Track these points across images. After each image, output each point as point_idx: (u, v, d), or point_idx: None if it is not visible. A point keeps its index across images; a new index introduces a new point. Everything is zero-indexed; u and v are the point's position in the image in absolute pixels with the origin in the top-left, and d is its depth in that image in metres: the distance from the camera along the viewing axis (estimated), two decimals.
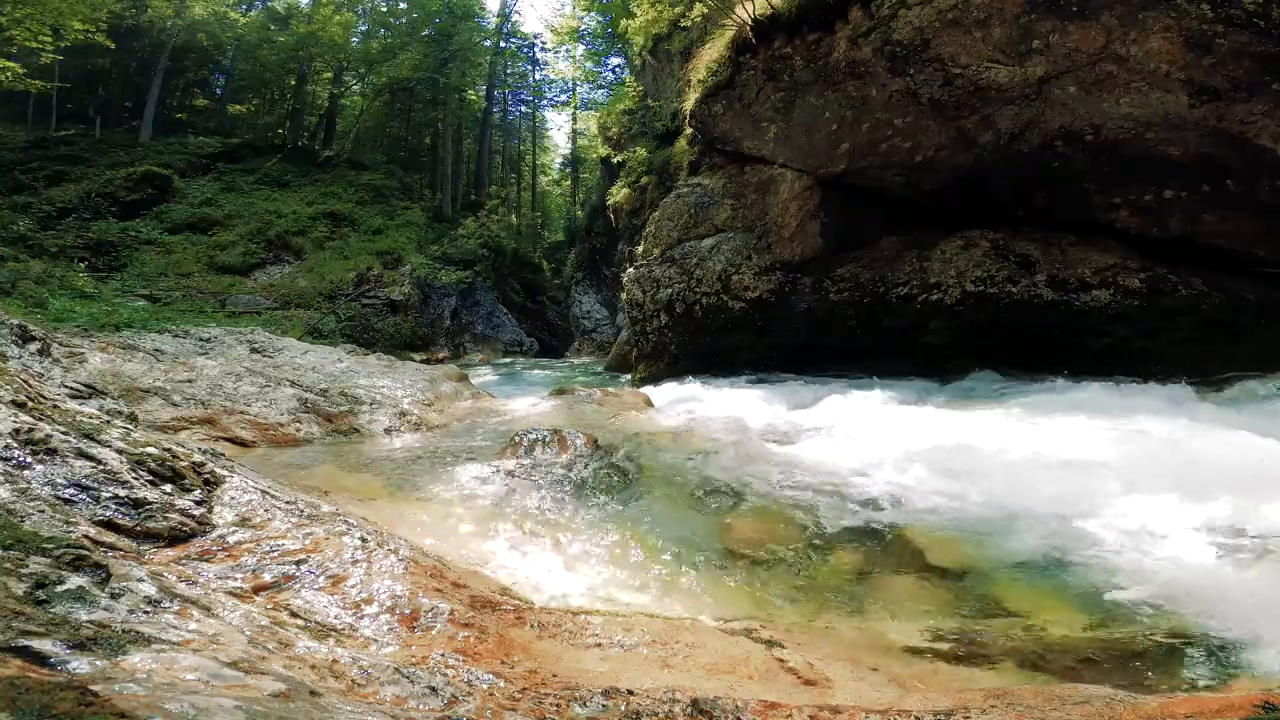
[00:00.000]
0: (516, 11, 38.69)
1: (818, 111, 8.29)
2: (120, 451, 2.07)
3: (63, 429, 2.04)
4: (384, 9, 28.27)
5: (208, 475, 2.25)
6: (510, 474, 4.19)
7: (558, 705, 1.41)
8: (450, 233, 22.97)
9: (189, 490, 2.11)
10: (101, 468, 1.93)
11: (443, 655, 1.61)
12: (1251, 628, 2.28)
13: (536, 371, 15.92)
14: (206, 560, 1.83)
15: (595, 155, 25.30)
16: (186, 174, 21.01)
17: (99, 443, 2.07)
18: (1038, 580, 2.80)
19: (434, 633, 1.77)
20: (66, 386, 3.83)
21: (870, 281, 8.57)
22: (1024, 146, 7.22)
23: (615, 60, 29.27)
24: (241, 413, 5.48)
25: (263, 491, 2.33)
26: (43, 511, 1.61)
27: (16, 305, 11.06)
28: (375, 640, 1.67)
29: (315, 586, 1.84)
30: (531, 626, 1.96)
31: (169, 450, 2.24)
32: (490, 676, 1.51)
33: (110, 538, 1.70)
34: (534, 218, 34.45)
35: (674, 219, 10.12)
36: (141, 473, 2.04)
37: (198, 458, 2.34)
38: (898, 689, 1.89)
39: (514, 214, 31.48)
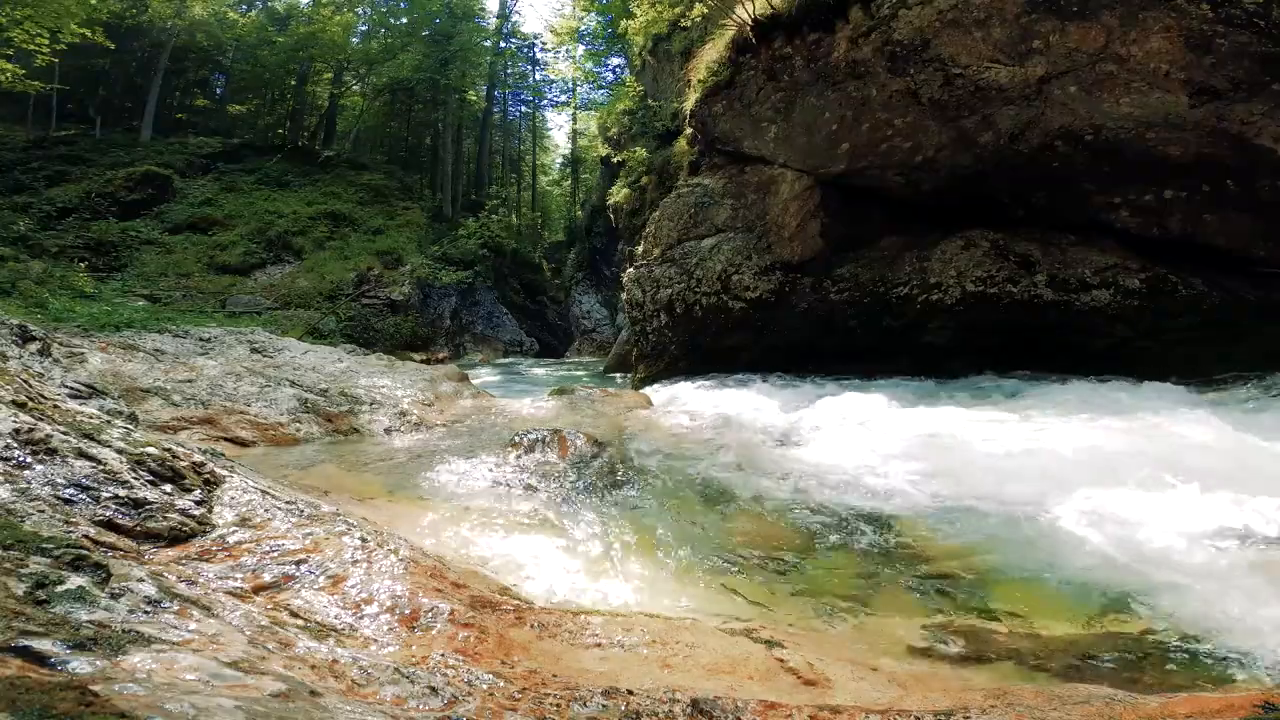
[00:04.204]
0: (516, 12, 38.65)
1: (818, 111, 8.29)
2: (120, 451, 2.07)
3: (63, 429, 2.04)
4: (384, 9, 28.27)
5: (208, 475, 2.25)
6: (510, 474, 4.19)
7: (558, 705, 1.41)
8: (450, 233, 22.96)
9: (189, 490, 2.11)
10: (101, 468, 1.93)
11: (443, 655, 1.61)
12: (1252, 627, 2.28)
13: (536, 371, 15.93)
14: (206, 560, 1.83)
15: (595, 155, 25.31)
16: (186, 174, 21.01)
17: (99, 443, 2.07)
18: (1038, 580, 2.80)
19: (434, 633, 1.77)
20: (66, 386, 3.83)
21: (870, 281, 8.56)
22: (1024, 146, 7.22)
23: (615, 60, 29.28)
24: (241, 413, 5.48)
25: (263, 491, 2.33)
26: (43, 511, 1.61)
27: (16, 305, 11.06)
28: (375, 640, 1.67)
29: (315, 586, 1.84)
30: (531, 626, 1.96)
31: (169, 450, 2.24)
32: (490, 676, 1.51)
33: (110, 538, 1.70)
34: (534, 218, 34.45)
35: (674, 219, 10.12)
36: (141, 473, 2.04)
37: (198, 458, 2.34)
38: (898, 689, 1.89)
39: (514, 214, 31.47)
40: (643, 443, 5.23)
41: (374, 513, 3.12)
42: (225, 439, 4.93)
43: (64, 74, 19.30)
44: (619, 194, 16.17)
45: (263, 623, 1.51)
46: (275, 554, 1.94)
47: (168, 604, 1.39)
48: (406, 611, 1.83)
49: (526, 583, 2.67)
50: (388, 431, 5.87)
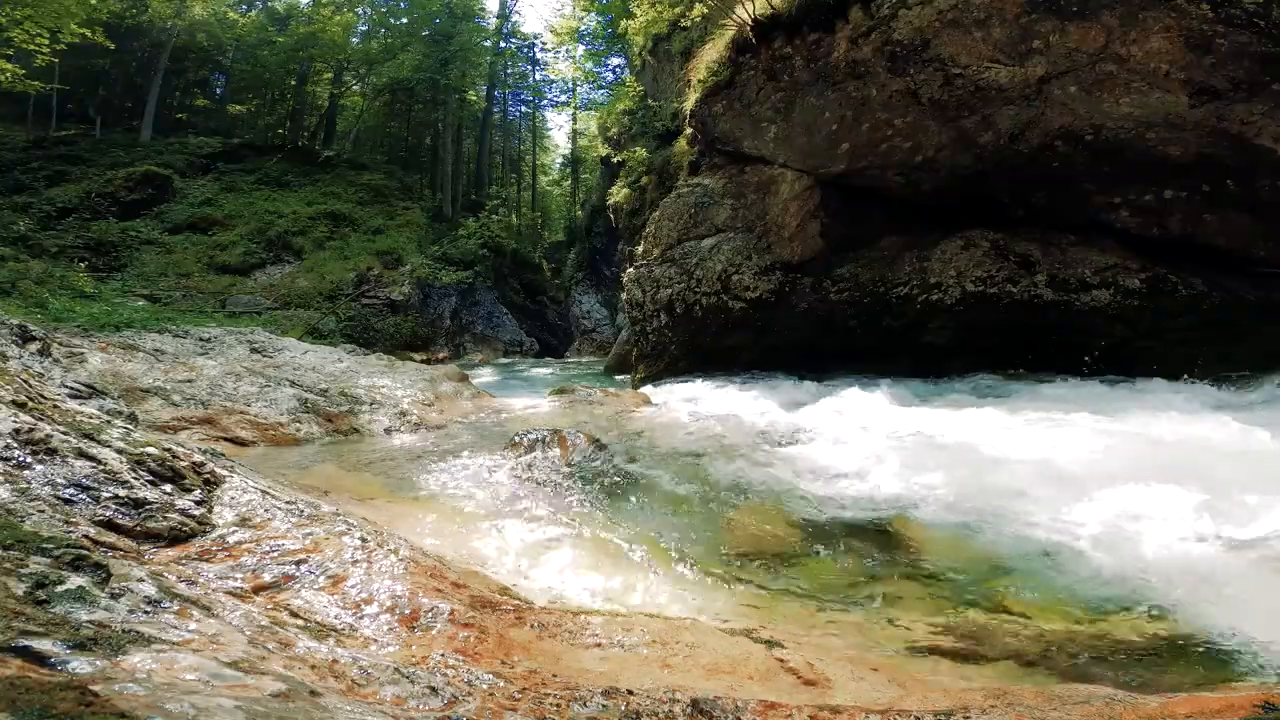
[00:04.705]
0: (516, 12, 38.67)
1: (818, 111, 8.29)
2: (120, 451, 2.07)
3: (63, 429, 2.04)
4: (384, 9, 28.28)
5: (208, 475, 2.25)
6: (510, 474, 4.19)
7: (558, 705, 1.41)
8: (450, 233, 22.97)
9: (189, 490, 2.11)
10: (101, 468, 1.93)
11: (443, 655, 1.61)
12: (1252, 627, 2.28)
13: (536, 371, 15.93)
14: (206, 560, 1.82)
15: (595, 155, 25.31)
16: (186, 174, 21.02)
17: (99, 443, 2.07)
18: (1038, 579, 2.80)
19: (434, 633, 1.77)
20: (66, 386, 3.83)
21: (870, 281, 8.56)
22: (1024, 147, 7.22)
23: (615, 60, 29.31)
24: (241, 413, 5.48)
25: (263, 491, 2.33)
26: (43, 511, 1.61)
27: (16, 305, 11.06)
28: (375, 640, 1.67)
29: (315, 586, 1.84)
30: (531, 626, 1.96)
31: (169, 450, 2.24)
32: (490, 676, 1.51)
33: (110, 538, 1.70)
34: (534, 218, 34.47)
35: (674, 219, 10.12)
36: (141, 473, 2.04)
37: (198, 458, 2.34)
38: (898, 689, 1.89)
39: (514, 214, 31.48)
40: (643, 442, 5.23)
41: (374, 513, 3.12)
42: (225, 439, 4.93)
43: (64, 74, 19.29)
44: (619, 194, 16.17)
45: (263, 623, 1.51)
46: (275, 554, 1.94)
47: (168, 604, 1.39)
48: (406, 611, 1.83)
49: (526, 582, 2.67)
50: (388, 431, 5.87)
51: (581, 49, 30.89)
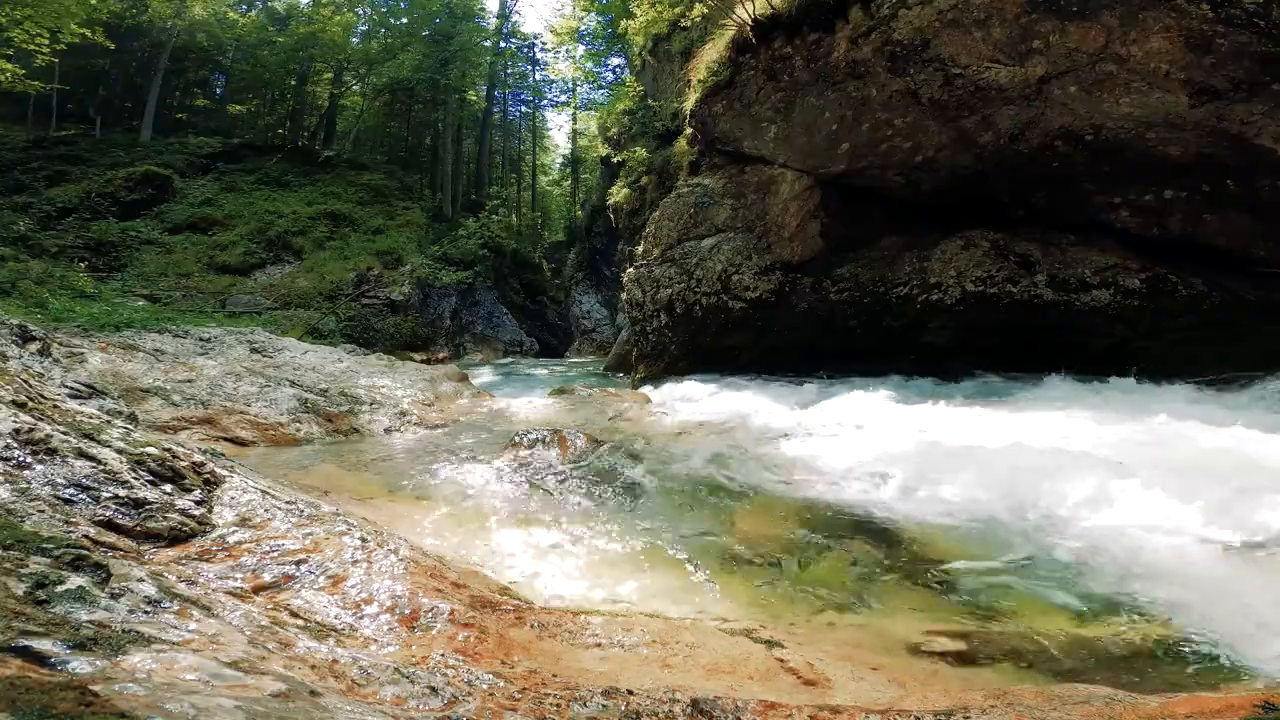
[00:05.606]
0: (516, 12, 38.67)
1: (818, 111, 8.28)
2: (120, 451, 2.07)
3: (63, 429, 2.04)
4: (384, 9, 28.27)
5: (208, 475, 2.25)
6: (510, 473, 4.19)
7: (558, 705, 1.41)
8: (450, 233, 22.95)
9: (189, 490, 2.11)
10: (101, 468, 1.93)
11: (443, 655, 1.61)
12: (1252, 628, 2.28)
13: (536, 371, 15.92)
14: (206, 560, 1.82)
15: (595, 155, 25.30)
16: (186, 174, 21.00)
17: (99, 443, 2.07)
18: (1038, 580, 2.80)
19: (434, 633, 1.77)
20: (66, 386, 3.83)
21: (870, 281, 8.56)
22: (1024, 147, 7.22)
23: (615, 60, 29.29)
24: (241, 413, 5.48)
25: (263, 491, 2.33)
26: (43, 511, 1.61)
27: (16, 305, 11.06)
28: (375, 640, 1.67)
29: (315, 586, 1.84)
30: (531, 626, 1.96)
31: (169, 450, 2.24)
32: (490, 676, 1.51)
33: (110, 538, 1.70)
34: (534, 218, 34.46)
35: (674, 219, 10.11)
36: (141, 473, 2.04)
37: (198, 458, 2.34)
38: (898, 689, 1.89)
39: (514, 214, 31.48)
40: (642, 442, 5.23)
41: (374, 513, 3.12)
42: (225, 439, 4.93)
43: (64, 74, 19.28)
44: (619, 194, 16.16)
45: (263, 623, 1.51)
46: (275, 554, 1.94)
47: (168, 604, 1.39)
48: (406, 611, 1.83)
49: (526, 582, 2.67)
50: (388, 431, 5.87)
51: (581, 49, 30.90)
